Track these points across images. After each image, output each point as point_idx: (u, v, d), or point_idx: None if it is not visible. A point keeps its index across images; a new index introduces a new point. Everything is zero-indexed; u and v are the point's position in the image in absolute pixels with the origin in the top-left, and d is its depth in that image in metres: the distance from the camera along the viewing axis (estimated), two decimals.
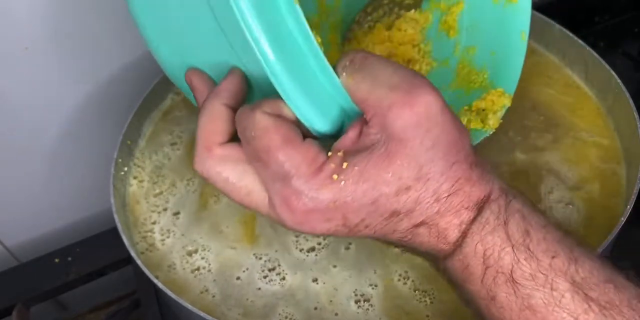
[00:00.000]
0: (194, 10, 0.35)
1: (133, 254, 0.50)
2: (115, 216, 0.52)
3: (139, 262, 0.49)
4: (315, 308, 0.49)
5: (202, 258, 0.52)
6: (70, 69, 0.63)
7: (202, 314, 0.45)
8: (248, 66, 0.36)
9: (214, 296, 0.50)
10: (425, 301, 0.48)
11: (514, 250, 0.33)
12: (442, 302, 0.48)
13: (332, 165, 0.33)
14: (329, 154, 0.34)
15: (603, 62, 0.57)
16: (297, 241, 0.52)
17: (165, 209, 0.56)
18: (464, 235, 0.34)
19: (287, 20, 0.32)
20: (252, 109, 0.34)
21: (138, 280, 0.62)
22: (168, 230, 0.54)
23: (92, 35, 0.61)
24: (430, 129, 0.32)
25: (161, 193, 0.57)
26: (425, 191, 0.33)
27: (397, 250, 0.50)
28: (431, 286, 0.48)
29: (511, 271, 0.33)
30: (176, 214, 0.56)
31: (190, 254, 0.53)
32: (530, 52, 0.63)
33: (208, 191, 0.56)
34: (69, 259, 0.67)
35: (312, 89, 0.34)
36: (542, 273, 0.32)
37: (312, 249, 0.51)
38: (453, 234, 0.34)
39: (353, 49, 0.36)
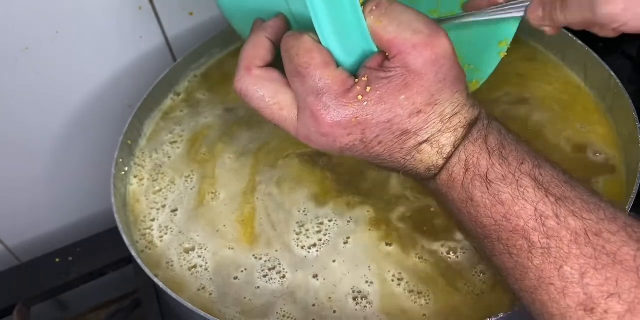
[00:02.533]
0: None
1: (134, 253, 0.50)
2: (116, 216, 0.52)
3: (139, 261, 0.49)
4: (314, 305, 0.49)
5: (199, 256, 0.53)
6: (70, 69, 0.63)
7: (202, 313, 0.45)
8: (295, 12, 0.43)
9: (211, 294, 0.50)
10: (421, 302, 0.48)
11: (489, 156, 0.40)
12: (438, 302, 0.48)
13: (358, 88, 0.40)
14: (356, 80, 0.40)
15: (602, 62, 0.57)
16: (298, 239, 0.52)
17: (163, 206, 0.56)
18: (455, 148, 0.41)
19: None
20: (301, 33, 0.41)
21: (138, 279, 0.62)
22: (166, 227, 0.55)
23: (92, 35, 0.61)
24: (443, 65, 0.40)
25: (160, 190, 0.57)
26: (433, 113, 0.40)
27: (388, 249, 0.51)
28: (426, 288, 0.48)
29: (486, 173, 0.39)
30: (174, 211, 0.56)
31: (187, 251, 0.53)
32: (531, 52, 0.63)
33: (205, 188, 0.56)
34: (70, 258, 0.67)
35: (343, 29, 0.40)
36: (511, 173, 0.39)
37: (314, 245, 0.52)
38: (449, 148, 0.41)
39: None
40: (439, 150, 0.41)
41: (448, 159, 0.41)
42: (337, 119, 0.40)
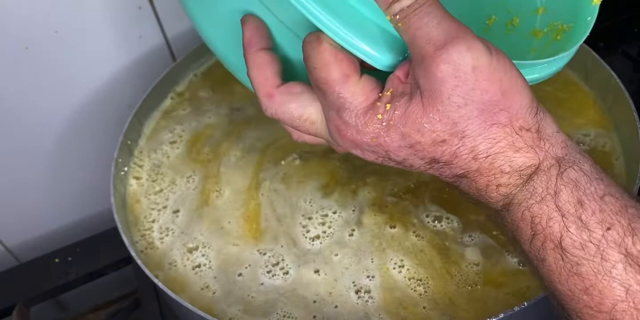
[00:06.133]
0: None
1: (133, 253, 0.50)
2: (116, 216, 0.52)
3: (139, 261, 0.49)
4: (315, 301, 0.49)
5: (203, 255, 0.53)
6: (69, 69, 0.63)
7: (202, 313, 0.45)
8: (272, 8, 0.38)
9: (214, 293, 0.51)
10: (420, 290, 0.48)
11: (563, 220, 0.33)
12: (436, 292, 0.48)
13: (379, 104, 0.35)
14: (380, 94, 0.35)
15: (602, 62, 0.57)
16: (306, 231, 0.52)
17: (165, 207, 0.56)
18: (508, 200, 0.34)
19: None
20: (319, 39, 0.35)
21: (138, 279, 0.62)
22: (167, 229, 0.55)
23: (92, 35, 0.61)
24: (458, 86, 0.32)
25: (161, 191, 0.57)
26: (462, 146, 0.33)
27: (392, 232, 0.51)
28: (425, 274, 0.49)
29: (560, 239, 0.33)
30: (176, 211, 0.56)
31: (190, 251, 0.53)
32: None
33: (209, 187, 0.56)
34: (69, 259, 0.67)
35: (367, 29, 0.35)
36: (593, 243, 0.32)
37: (317, 237, 0.52)
38: (493, 195, 0.35)
39: None
40: (479, 191, 0.35)
41: (505, 208, 0.35)
42: (356, 138, 0.36)
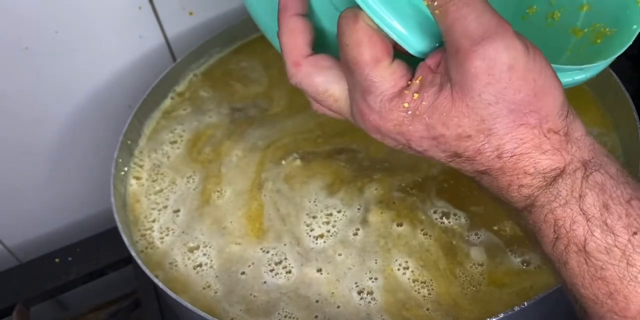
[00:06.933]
0: None
1: (133, 253, 0.50)
2: (116, 216, 0.52)
3: (139, 261, 0.49)
4: (317, 301, 0.49)
5: (204, 254, 0.53)
6: (70, 69, 0.63)
7: (202, 313, 0.45)
8: None
9: (216, 292, 0.51)
10: (424, 292, 0.48)
11: (587, 224, 0.32)
12: (440, 293, 0.48)
13: (406, 93, 0.34)
14: (409, 82, 0.34)
15: None
16: (310, 230, 0.52)
17: (165, 207, 0.56)
18: (530, 201, 0.34)
19: None
20: (356, 17, 0.34)
21: (138, 279, 0.62)
22: (167, 228, 0.55)
23: (92, 35, 0.61)
24: (490, 84, 0.31)
25: (161, 191, 0.57)
26: (488, 144, 0.33)
27: (399, 230, 0.51)
28: (430, 276, 0.49)
29: (584, 243, 0.32)
30: (176, 211, 0.56)
31: (191, 250, 0.53)
32: None
33: (210, 187, 0.56)
34: (69, 258, 0.67)
35: (404, 10, 0.34)
36: (618, 248, 0.31)
37: (321, 236, 0.52)
38: (515, 195, 0.34)
39: None
40: (501, 190, 0.35)
41: (527, 209, 0.34)
42: (379, 124, 0.35)
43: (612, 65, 0.56)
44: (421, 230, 0.51)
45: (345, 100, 0.37)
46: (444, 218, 0.52)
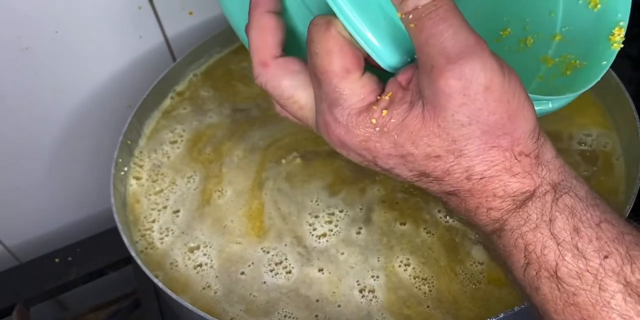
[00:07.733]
0: None
1: (133, 253, 0.50)
2: (116, 216, 0.52)
3: (138, 261, 0.49)
4: (318, 300, 0.49)
5: (204, 254, 0.53)
6: (70, 69, 0.63)
7: (201, 313, 0.45)
8: None
9: (216, 292, 0.51)
10: (424, 289, 0.48)
11: (558, 249, 0.31)
12: (440, 291, 0.48)
13: (375, 108, 0.33)
14: (378, 98, 0.33)
15: None
16: (312, 229, 0.52)
17: (165, 207, 0.56)
18: (499, 225, 0.33)
19: None
20: (328, 24, 0.33)
21: (138, 279, 0.62)
22: (167, 229, 0.55)
23: (91, 35, 0.61)
24: (465, 104, 0.30)
25: (161, 191, 0.57)
26: (457, 165, 0.32)
27: (403, 229, 0.51)
28: (430, 273, 0.49)
29: (555, 268, 0.31)
30: (176, 211, 0.56)
31: (192, 250, 0.53)
32: None
33: (211, 187, 0.56)
34: (69, 259, 0.67)
35: (379, 21, 0.33)
36: (590, 273, 0.31)
37: (324, 235, 0.52)
38: (483, 218, 0.33)
39: None
40: (468, 212, 0.34)
41: (496, 233, 0.33)
42: (344, 138, 0.33)
43: (612, 65, 0.56)
44: (424, 229, 0.51)
45: (311, 109, 0.36)
46: (448, 217, 0.52)
